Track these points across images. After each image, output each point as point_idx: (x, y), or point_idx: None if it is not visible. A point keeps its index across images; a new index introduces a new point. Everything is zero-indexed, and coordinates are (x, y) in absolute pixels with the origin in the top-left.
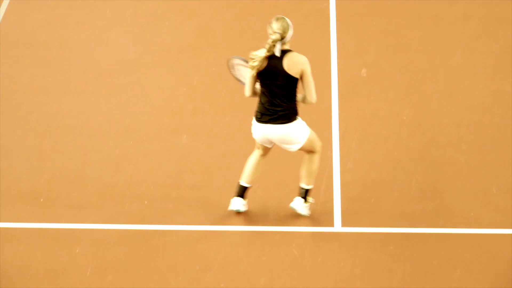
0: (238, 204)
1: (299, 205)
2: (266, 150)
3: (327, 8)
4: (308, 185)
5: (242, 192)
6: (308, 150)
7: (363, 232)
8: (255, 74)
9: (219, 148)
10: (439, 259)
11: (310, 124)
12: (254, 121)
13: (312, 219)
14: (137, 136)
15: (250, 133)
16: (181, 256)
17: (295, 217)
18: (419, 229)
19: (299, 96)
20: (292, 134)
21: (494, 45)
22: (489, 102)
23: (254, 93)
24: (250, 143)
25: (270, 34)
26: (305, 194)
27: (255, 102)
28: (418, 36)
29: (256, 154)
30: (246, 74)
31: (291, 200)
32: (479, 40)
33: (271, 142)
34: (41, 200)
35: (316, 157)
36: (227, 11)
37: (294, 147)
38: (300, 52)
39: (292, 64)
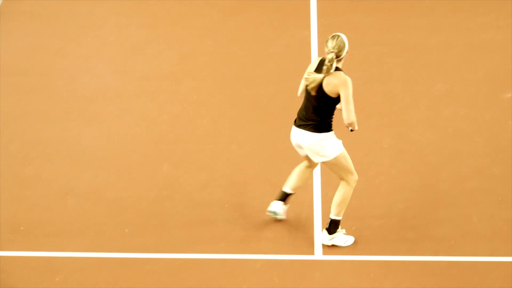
0: (276, 206)
1: (325, 240)
2: (311, 161)
3: (308, 37)
4: (334, 215)
5: (283, 197)
6: (339, 175)
7: (344, 260)
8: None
9: (201, 177)
10: (420, 287)
11: (292, 151)
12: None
13: (293, 247)
14: (119, 164)
15: (232, 162)
16: (162, 284)
17: (276, 245)
18: (400, 257)
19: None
20: (317, 145)
21: (474, 74)
22: (469, 130)
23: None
24: (232, 172)
25: (326, 52)
26: (329, 225)
27: (236, 132)
28: (399, 65)
29: (302, 163)
30: None
31: (272, 229)
32: (460, 69)
33: (302, 149)
34: (21, 228)
35: (347, 188)
36: (208, 39)
37: (318, 159)
38: (281, 80)
39: (329, 82)
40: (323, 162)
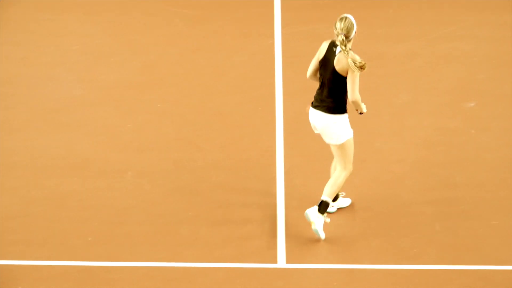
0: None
1: (312, 213)
2: None
3: (272, 46)
4: (327, 195)
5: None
6: (340, 161)
7: (307, 268)
8: (317, 61)
9: (164, 185)
10: None
11: (255, 161)
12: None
13: (256, 256)
14: (82, 172)
15: (196, 171)
16: None
17: (239, 254)
18: (363, 265)
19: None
20: (331, 126)
21: (438, 83)
22: (433, 139)
23: (314, 75)
24: (196, 180)
25: (335, 34)
26: (320, 204)
27: (201, 141)
28: (363, 74)
29: (334, 161)
30: None
31: (235, 237)
32: (423, 78)
33: (317, 130)
34: None
35: (342, 174)
36: (173, 48)
37: (329, 141)
38: (245, 89)
39: (340, 61)
40: (332, 145)
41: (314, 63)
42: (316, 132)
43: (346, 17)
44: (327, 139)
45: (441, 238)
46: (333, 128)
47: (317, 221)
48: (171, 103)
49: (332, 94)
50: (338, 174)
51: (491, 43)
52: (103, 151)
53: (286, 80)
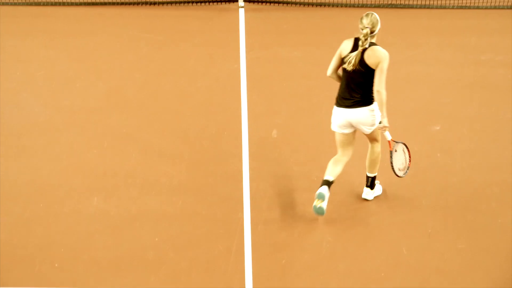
0: (325, 190)
1: (369, 195)
2: (345, 152)
3: (237, 70)
4: (371, 173)
5: (324, 184)
6: (375, 138)
7: None
8: (339, 59)
9: (130, 210)
10: None
11: (221, 185)
12: (334, 107)
13: (224, 280)
14: (48, 198)
15: (161, 195)
16: None
17: (206, 278)
18: None
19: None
20: (370, 115)
21: (403, 106)
22: None
23: (334, 73)
24: (161, 205)
25: (361, 28)
26: (370, 182)
27: (166, 165)
28: (328, 98)
29: (337, 155)
30: (396, 159)
31: (203, 261)
32: (388, 101)
33: (351, 125)
34: None
35: (378, 147)
36: (137, 72)
37: (368, 130)
38: (210, 112)
39: (371, 55)
40: (367, 134)
41: (335, 61)
42: (341, 130)
43: (371, 13)
44: (367, 129)
45: (408, 261)
46: (372, 116)
47: (376, 193)
48: (136, 127)
49: (363, 86)
50: (373, 150)
51: (453, 66)
52: (69, 176)
53: (251, 104)
